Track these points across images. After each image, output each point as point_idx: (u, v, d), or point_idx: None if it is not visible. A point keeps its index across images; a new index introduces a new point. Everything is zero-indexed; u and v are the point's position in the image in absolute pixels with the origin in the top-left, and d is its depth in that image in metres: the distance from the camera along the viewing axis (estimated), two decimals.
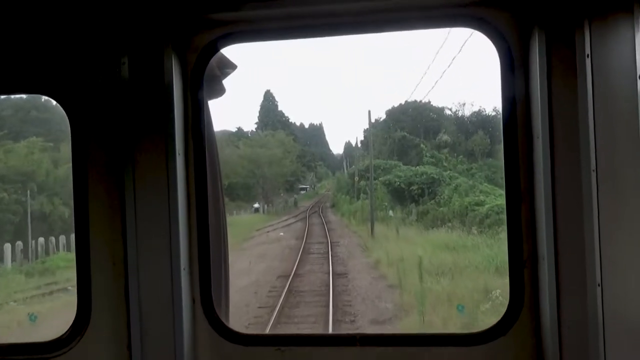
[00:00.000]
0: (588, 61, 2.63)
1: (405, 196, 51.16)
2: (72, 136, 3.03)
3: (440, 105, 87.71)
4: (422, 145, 72.63)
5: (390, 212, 48.76)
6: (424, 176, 51.33)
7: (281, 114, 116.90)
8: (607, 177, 2.60)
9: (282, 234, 45.07)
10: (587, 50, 2.63)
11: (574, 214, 2.69)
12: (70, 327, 3.08)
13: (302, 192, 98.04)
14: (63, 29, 3.00)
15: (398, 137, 78.10)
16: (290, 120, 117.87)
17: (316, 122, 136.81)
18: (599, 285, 2.62)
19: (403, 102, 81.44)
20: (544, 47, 2.68)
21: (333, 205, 77.83)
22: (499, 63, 2.89)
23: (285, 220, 60.62)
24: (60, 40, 3.01)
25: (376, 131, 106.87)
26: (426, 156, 65.51)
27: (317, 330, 17.64)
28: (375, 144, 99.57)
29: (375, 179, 68.09)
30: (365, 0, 2.85)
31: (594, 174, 2.62)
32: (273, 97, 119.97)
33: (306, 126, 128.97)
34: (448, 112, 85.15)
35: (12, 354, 3.11)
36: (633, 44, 2.35)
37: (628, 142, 2.45)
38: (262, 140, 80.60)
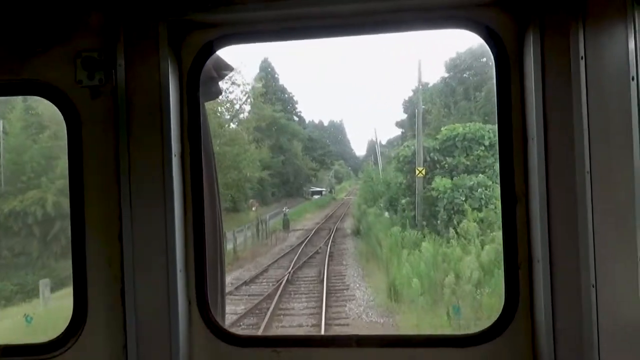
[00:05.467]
0: (582, 63, 2.69)
1: None
2: (68, 138, 3.03)
3: None
4: None
5: None
6: None
7: (282, 89, 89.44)
8: (601, 178, 2.66)
9: None
10: (581, 53, 2.69)
11: (569, 215, 2.73)
12: (66, 328, 3.07)
13: (316, 196, 75.91)
14: (57, 27, 3.01)
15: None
16: (294, 98, 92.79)
17: (336, 119, 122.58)
18: (593, 286, 2.67)
19: (474, 46, 50.79)
20: (539, 49, 2.75)
21: (358, 232, 35.21)
22: (494, 65, 2.92)
23: None
24: (55, 39, 3.02)
25: (428, 96, 65.12)
26: None
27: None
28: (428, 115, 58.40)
29: (467, 170, 24.71)
30: (361, 2, 2.87)
31: (588, 176, 2.67)
32: (272, 69, 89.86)
33: (325, 123, 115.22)
34: None
35: (5, 355, 3.15)
36: (626, 46, 2.46)
37: (622, 144, 2.53)
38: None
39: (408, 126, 61.09)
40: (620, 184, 2.55)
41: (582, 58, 2.65)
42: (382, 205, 32.61)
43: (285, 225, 45.08)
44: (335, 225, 44.27)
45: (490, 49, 2.89)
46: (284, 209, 47.64)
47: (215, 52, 3.07)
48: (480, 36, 2.90)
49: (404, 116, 66.42)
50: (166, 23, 2.89)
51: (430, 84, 59.31)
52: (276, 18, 2.93)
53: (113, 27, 2.91)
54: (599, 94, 2.63)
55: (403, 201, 28.62)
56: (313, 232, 41.22)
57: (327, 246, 32.19)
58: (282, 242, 36.78)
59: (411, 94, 63.51)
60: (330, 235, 37.61)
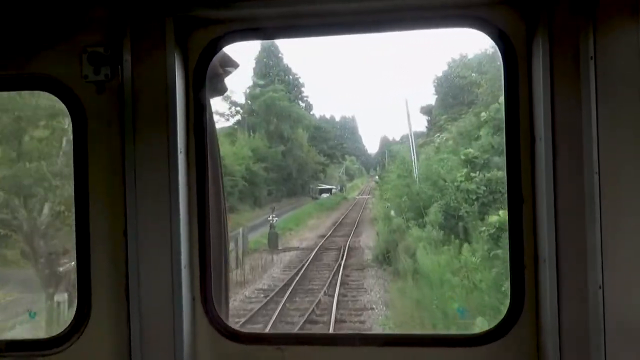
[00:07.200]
0: (592, 63, 2.70)
1: None
2: (73, 134, 3.10)
3: None
4: None
5: None
6: None
7: (287, 69, 77.34)
8: (609, 179, 2.69)
9: None
10: (591, 53, 2.70)
11: (576, 216, 2.74)
12: (70, 324, 3.10)
13: (324, 195, 66.21)
14: (63, 23, 3.06)
15: None
16: (301, 80, 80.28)
17: (348, 114, 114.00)
18: (600, 287, 2.67)
19: None
20: (548, 49, 2.76)
21: (386, 263, 20.12)
22: (502, 64, 2.94)
23: None
24: (61, 34, 3.06)
25: (475, 65, 51.75)
26: None
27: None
28: (476, 88, 45.54)
29: None
30: (368, 0, 2.94)
31: (596, 177, 2.69)
32: (275, 47, 77.86)
33: (337, 119, 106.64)
34: None
35: (10, 350, 3.16)
36: (637, 47, 2.55)
37: (631, 144, 2.61)
38: None
39: (440, 109, 46.31)
40: (629, 184, 2.62)
41: (591, 58, 2.66)
42: (436, 221, 17.22)
43: (272, 241, 30.18)
44: (347, 242, 29.85)
45: (498, 48, 2.90)
46: (270, 217, 32.41)
47: (221, 49, 3.10)
48: (489, 35, 2.90)
49: (431, 101, 52.00)
50: (172, 19, 2.93)
51: (471, 55, 45.34)
52: (282, 15, 2.98)
53: (119, 23, 2.95)
54: (609, 94, 2.64)
55: (495, 219, 13.25)
56: (313, 254, 26.44)
57: (334, 297, 17.09)
58: (256, 281, 21.71)
59: (445, 67, 49.32)
60: (340, 264, 22.75)
